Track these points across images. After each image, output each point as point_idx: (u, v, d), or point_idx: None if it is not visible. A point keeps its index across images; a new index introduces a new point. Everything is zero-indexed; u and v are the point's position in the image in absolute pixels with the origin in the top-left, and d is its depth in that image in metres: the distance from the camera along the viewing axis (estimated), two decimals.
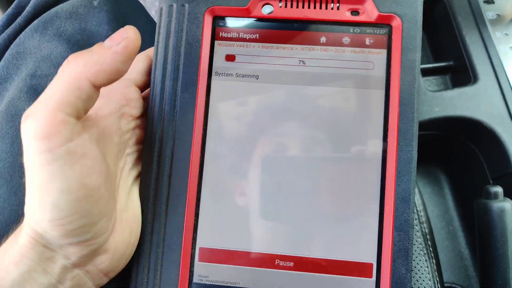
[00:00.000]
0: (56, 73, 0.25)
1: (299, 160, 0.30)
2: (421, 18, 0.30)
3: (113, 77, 0.25)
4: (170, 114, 0.30)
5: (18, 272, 0.24)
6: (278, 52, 0.31)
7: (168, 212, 0.30)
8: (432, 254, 0.46)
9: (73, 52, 0.32)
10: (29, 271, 0.24)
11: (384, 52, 0.30)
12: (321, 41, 0.30)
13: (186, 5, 0.31)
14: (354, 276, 0.29)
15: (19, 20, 0.41)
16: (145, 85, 0.32)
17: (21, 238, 0.24)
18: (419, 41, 0.30)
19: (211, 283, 0.30)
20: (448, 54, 0.61)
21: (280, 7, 0.30)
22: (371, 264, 0.29)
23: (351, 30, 0.30)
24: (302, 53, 0.31)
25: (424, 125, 0.59)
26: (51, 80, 0.24)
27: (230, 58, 0.31)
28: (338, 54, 0.30)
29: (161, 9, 0.31)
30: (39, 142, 0.22)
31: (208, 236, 0.30)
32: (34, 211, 0.24)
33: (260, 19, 0.31)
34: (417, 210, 0.46)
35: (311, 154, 0.30)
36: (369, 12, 0.30)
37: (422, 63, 0.63)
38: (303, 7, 0.30)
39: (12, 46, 0.40)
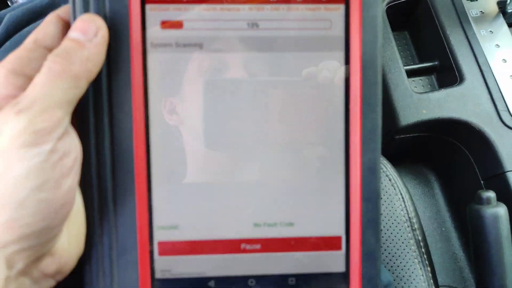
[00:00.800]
0: None
1: (257, 135, 0.28)
2: None
3: (99, 70, 0.25)
4: (103, 99, 0.27)
5: None
6: (223, 14, 0.27)
7: (117, 210, 0.27)
8: (426, 262, 0.44)
9: None
10: None
11: (342, 7, 0.27)
12: None
13: None
14: (323, 250, 0.28)
15: None
16: None
17: None
18: None
19: (175, 276, 0.28)
20: (433, 53, 0.60)
21: None
22: (340, 237, 0.28)
23: None
24: (250, 14, 0.27)
25: (412, 128, 0.58)
26: None
27: (166, 25, 0.27)
28: (291, 13, 0.27)
29: None
30: (27, 136, 0.22)
31: (166, 228, 0.28)
32: None
33: None
34: (409, 217, 0.44)
35: (271, 125, 0.28)
36: None
37: (406, 64, 0.62)
38: None
39: None
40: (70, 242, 0.26)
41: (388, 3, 0.61)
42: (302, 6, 0.27)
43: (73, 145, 0.24)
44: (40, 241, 0.23)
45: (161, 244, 0.28)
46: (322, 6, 0.27)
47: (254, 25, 0.27)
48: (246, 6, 0.27)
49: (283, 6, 0.27)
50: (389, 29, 0.60)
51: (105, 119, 0.27)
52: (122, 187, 0.27)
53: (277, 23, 0.27)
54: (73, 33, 0.25)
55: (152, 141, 0.27)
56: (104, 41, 0.25)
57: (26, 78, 0.24)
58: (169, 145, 0.27)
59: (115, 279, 0.27)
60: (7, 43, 0.38)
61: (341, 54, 0.27)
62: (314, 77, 0.28)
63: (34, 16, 0.40)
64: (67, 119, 0.24)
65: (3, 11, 0.42)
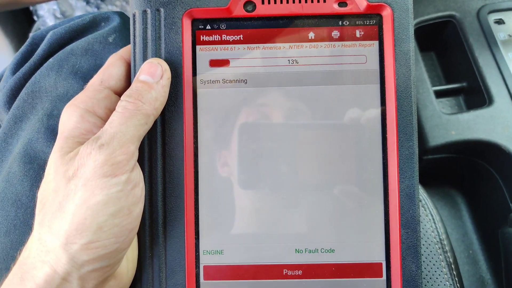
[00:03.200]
0: None
1: (299, 167, 0.29)
2: (412, 5, 0.29)
3: (163, 107, 0.28)
4: (157, 131, 0.29)
5: None
6: (265, 53, 0.29)
7: (166, 234, 0.29)
8: (458, 285, 0.43)
9: None
10: None
11: (376, 43, 0.29)
12: (310, 37, 0.29)
13: (162, 9, 0.29)
14: (364, 277, 0.29)
15: (34, 58, 0.41)
16: (124, 91, 0.31)
17: (39, 273, 0.24)
18: (412, 30, 0.29)
19: None
20: (461, 75, 0.60)
21: (263, 4, 0.29)
22: (381, 264, 0.29)
23: (340, 23, 0.29)
24: (290, 51, 0.29)
25: (441, 149, 0.58)
26: None
27: (214, 63, 0.29)
28: (328, 49, 0.29)
29: (134, 15, 0.29)
30: (108, 167, 0.24)
31: (211, 253, 0.29)
32: (69, 234, 0.24)
33: (242, 18, 0.29)
34: (440, 239, 0.44)
35: (312, 158, 0.29)
36: (358, 3, 0.29)
37: (433, 84, 0.63)
38: (287, 2, 0.29)
39: (27, 85, 0.40)
40: (128, 267, 0.28)
41: (416, 24, 0.62)
42: (338, 43, 0.29)
43: (140, 176, 0.27)
44: (110, 262, 0.25)
45: (206, 268, 0.29)
46: (357, 42, 0.29)
47: (294, 61, 0.29)
48: (286, 45, 0.29)
49: (321, 44, 0.29)
50: (417, 50, 0.60)
51: (158, 149, 0.29)
52: (172, 213, 0.29)
53: (316, 59, 0.29)
54: (142, 75, 0.27)
55: (200, 170, 0.29)
56: (168, 83, 0.28)
57: (96, 116, 0.27)
58: (216, 175, 0.29)
59: None
60: (51, 60, 0.40)
61: (376, 87, 0.29)
62: (355, 114, 0.29)
63: (76, 34, 0.42)
64: (137, 152, 0.26)
65: (45, 28, 0.44)
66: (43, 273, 0.24)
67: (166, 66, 0.28)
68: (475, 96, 0.57)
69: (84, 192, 0.24)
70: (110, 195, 0.24)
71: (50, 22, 0.85)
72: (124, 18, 0.44)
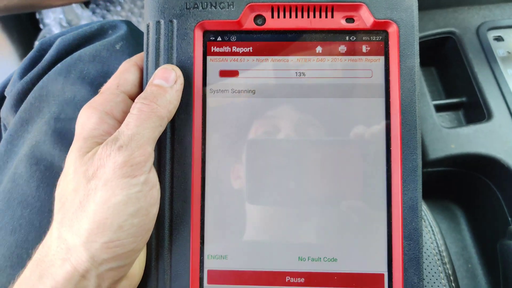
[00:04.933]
0: None
1: (305, 178, 0.30)
2: (417, 23, 0.29)
3: (175, 111, 0.29)
4: (167, 137, 0.29)
5: None
6: (274, 65, 0.30)
7: (172, 238, 0.29)
8: None
9: (96, 95, 0.34)
10: None
11: (382, 59, 0.30)
12: (317, 51, 0.30)
13: (175, 20, 0.30)
14: (366, 287, 0.29)
15: (42, 63, 0.42)
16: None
17: (58, 270, 0.25)
18: (417, 46, 0.29)
19: None
20: (460, 90, 0.61)
21: (273, 18, 0.30)
22: (383, 275, 0.29)
23: (347, 38, 0.30)
24: (298, 64, 0.30)
25: (440, 162, 0.58)
26: (75, 123, 0.27)
27: (224, 74, 0.30)
28: (335, 63, 0.30)
29: (148, 25, 0.30)
30: (127, 168, 0.25)
31: (216, 258, 0.30)
32: (90, 233, 0.24)
33: (252, 31, 0.30)
34: (439, 250, 0.45)
35: (317, 169, 0.30)
36: (365, 19, 0.29)
37: (433, 98, 0.64)
38: (296, 17, 0.29)
39: (35, 89, 0.40)
40: (139, 267, 0.29)
41: None
42: (345, 57, 0.30)
43: (156, 178, 0.28)
44: (127, 262, 0.26)
45: (210, 272, 0.29)
46: (363, 57, 0.30)
47: (301, 73, 0.30)
48: (295, 58, 0.30)
49: (328, 58, 0.30)
50: None
51: (167, 154, 0.29)
52: (178, 217, 0.29)
53: (323, 72, 0.30)
54: (156, 80, 0.28)
55: (207, 176, 0.30)
56: (181, 88, 0.29)
57: (114, 118, 0.28)
58: (223, 182, 0.30)
59: None
60: (59, 65, 0.41)
61: (382, 100, 0.29)
62: (360, 127, 0.30)
63: (84, 41, 0.43)
64: (153, 154, 0.27)
65: (54, 34, 0.45)
66: (63, 270, 0.24)
67: (179, 72, 0.29)
68: (475, 110, 0.58)
69: (105, 192, 0.25)
70: (130, 195, 0.25)
71: (56, 30, 0.86)
72: (131, 27, 0.45)
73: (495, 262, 0.52)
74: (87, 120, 0.28)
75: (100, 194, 0.25)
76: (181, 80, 0.29)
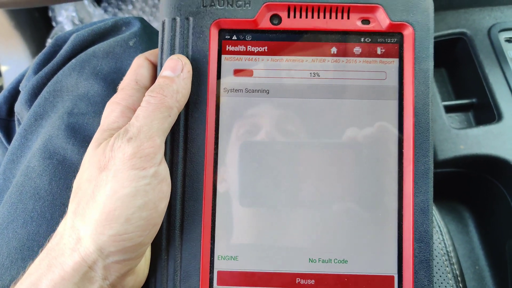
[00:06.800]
0: (93, 111, 0.31)
1: (317, 180, 0.30)
2: (433, 26, 0.29)
3: (186, 100, 0.29)
4: (180, 135, 0.30)
5: None
6: (288, 65, 0.30)
7: (183, 237, 0.29)
8: None
9: (109, 90, 0.34)
10: None
11: (396, 61, 0.30)
12: (332, 52, 0.30)
13: (191, 18, 0.30)
14: None
15: (57, 59, 0.42)
16: None
17: (67, 260, 0.25)
18: (432, 49, 0.29)
19: None
20: (470, 91, 0.60)
21: (289, 18, 0.30)
22: (393, 277, 0.29)
23: (362, 40, 0.30)
24: (312, 65, 0.30)
25: (449, 162, 0.58)
26: (88, 118, 0.28)
27: (238, 72, 0.30)
28: (349, 64, 0.30)
29: (163, 22, 0.30)
30: (136, 160, 0.25)
31: (226, 259, 0.30)
32: (98, 224, 0.25)
33: (268, 31, 0.30)
34: (447, 251, 0.44)
35: (329, 171, 0.30)
36: (380, 21, 0.29)
37: (443, 99, 0.63)
38: (312, 17, 0.30)
39: (49, 84, 0.41)
40: (145, 264, 0.29)
41: None
42: (360, 59, 0.30)
43: (167, 171, 0.28)
44: (133, 255, 0.26)
45: (220, 273, 0.29)
46: (378, 59, 0.30)
47: (316, 74, 0.30)
48: (309, 58, 0.30)
49: (342, 59, 0.30)
50: None
51: (180, 153, 0.29)
52: (190, 216, 0.29)
53: (337, 73, 0.30)
54: (164, 71, 0.28)
55: (219, 176, 0.30)
56: (189, 75, 0.29)
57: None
58: (235, 183, 0.30)
59: None
60: (73, 61, 0.42)
61: (395, 103, 0.29)
62: (373, 128, 0.30)
63: (98, 37, 0.44)
64: (163, 146, 0.27)
65: (68, 31, 0.46)
66: (72, 260, 0.25)
67: (186, 60, 0.29)
68: (485, 112, 0.58)
69: (115, 183, 0.25)
70: (138, 187, 0.25)
71: (68, 28, 0.87)
72: (144, 24, 0.45)
73: (503, 264, 0.52)
74: (109, 114, 0.29)
75: (109, 185, 0.25)
76: (187, 68, 0.29)
